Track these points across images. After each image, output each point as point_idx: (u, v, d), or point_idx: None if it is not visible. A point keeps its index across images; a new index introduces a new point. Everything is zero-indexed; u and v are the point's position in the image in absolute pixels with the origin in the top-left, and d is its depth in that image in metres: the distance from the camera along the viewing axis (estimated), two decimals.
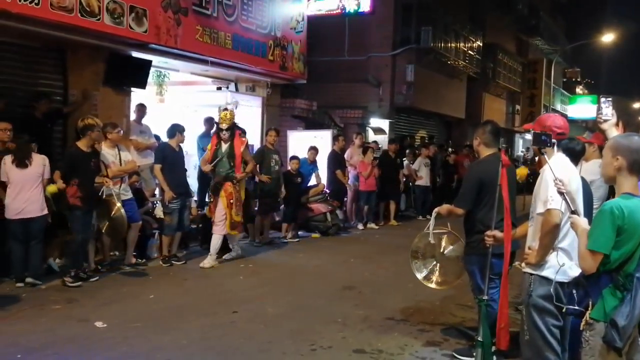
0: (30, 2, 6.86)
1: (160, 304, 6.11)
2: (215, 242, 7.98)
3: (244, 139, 8.45)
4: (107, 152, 7.31)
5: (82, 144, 6.77)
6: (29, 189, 6.42)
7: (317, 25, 14.30)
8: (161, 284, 6.99)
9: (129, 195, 7.49)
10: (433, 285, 5.09)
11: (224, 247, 8.33)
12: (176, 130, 8.07)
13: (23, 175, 6.42)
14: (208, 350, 4.75)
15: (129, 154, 7.82)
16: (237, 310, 5.89)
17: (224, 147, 7.99)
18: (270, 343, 4.99)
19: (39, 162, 6.57)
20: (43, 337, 4.93)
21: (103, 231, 7.02)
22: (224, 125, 7.97)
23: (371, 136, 15.81)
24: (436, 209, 4.79)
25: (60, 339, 4.89)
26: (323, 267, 8.36)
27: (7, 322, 5.28)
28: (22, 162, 6.41)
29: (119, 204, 6.84)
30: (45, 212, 6.58)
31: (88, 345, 4.79)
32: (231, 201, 7.86)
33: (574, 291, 3.43)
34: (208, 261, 7.88)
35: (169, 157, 7.95)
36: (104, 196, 6.83)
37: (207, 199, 10.07)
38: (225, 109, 8.33)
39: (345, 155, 12.08)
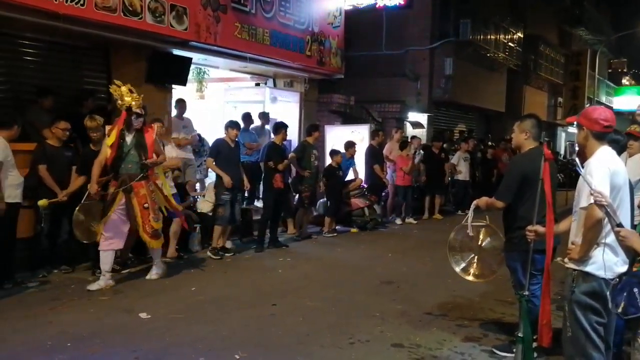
0: (76, 3, 7.09)
1: (201, 295, 6.24)
2: (107, 259, 6.38)
3: (154, 125, 6.91)
4: None
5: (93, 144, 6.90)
6: None
7: (355, 20, 14.29)
8: (202, 276, 7.13)
9: (172, 190, 7.66)
10: (470, 278, 5.06)
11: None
12: (227, 126, 8.24)
13: None
14: (248, 342, 4.83)
15: (172, 150, 7.98)
16: (277, 303, 5.98)
17: (129, 138, 6.46)
18: (309, 336, 5.06)
19: None
20: (91, 326, 5.10)
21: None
22: (138, 110, 6.46)
23: (409, 130, 15.74)
24: (475, 202, 4.77)
25: (107, 329, 5.05)
26: (361, 261, 8.39)
27: (57, 311, 5.48)
28: None
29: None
30: None
31: (133, 334, 4.93)
32: (145, 205, 6.39)
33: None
34: (99, 283, 6.30)
35: (223, 152, 8.09)
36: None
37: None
38: (130, 90, 6.54)
39: (385, 150, 12.09)
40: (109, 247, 6.36)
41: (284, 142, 9.31)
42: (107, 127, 6.51)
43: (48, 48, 8.11)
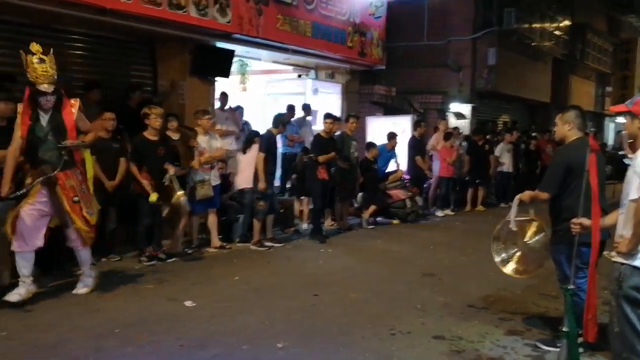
0: None
1: (244, 285, 6.34)
2: (22, 262, 5.33)
3: (74, 101, 5.54)
4: (199, 138, 7.62)
5: (149, 133, 7.01)
6: None
7: (396, 10, 14.17)
8: (245, 266, 7.23)
9: (217, 181, 7.80)
10: (509, 272, 4.96)
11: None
12: (280, 121, 8.29)
13: None
14: (290, 332, 4.89)
15: (218, 141, 8.10)
16: (318, 293, 6.02)
17: (44, 119, 5.29)
18: (350, 327, 5.09)
19: None
20: (137, 314, 5.24)
21: (163, 215, 7.17)
22: (45, 87, 5.17)
23: (452, 122, 15.56)
24: (518, 196, 4.69)
25: (153, 316, 5.18)
26: (402, 253, 8.37)
27: (106, 299, 5.65)
28: None
29: (180, 192, 6.96)
30: None
31: (178, 322, 5.04)
32: (75, 198, 5.36)
33: None
34: (19, 292, 5.27)
35: (272, 147, 8.18)
36: (170, 183, 6.97)
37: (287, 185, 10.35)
38: (42, 60, 5.19)
39: (432, 141, 12.00)
40: (23, 248, 5.25)
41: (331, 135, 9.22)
42: (19, 107, 5.33)
43: (95, 42, 8.34)
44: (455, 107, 16.27)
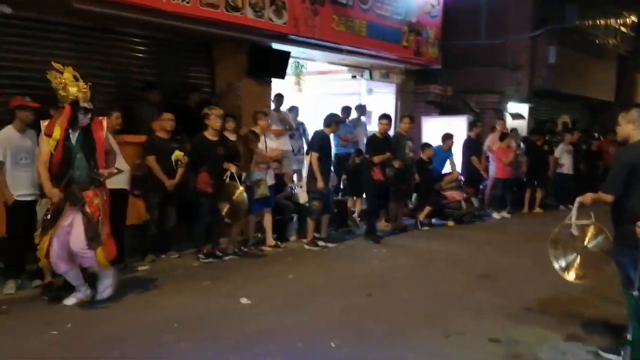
0: (182, 1, 7.42)
1: (299, 283, 6.40)
2: (71, 277, 5.40)
3: (102, 119, 5.48)
4: None
5: (209, 133, 7.16)
6: None
7: (453, 8, 13.97)
8: (300, 265, 7.30)
9: (272, 181, 7.90)
10: (571, 278, 4.85)
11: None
12: (332, 121, 8.32)
13: None
14: (344, 331, 4.90)
15: (273, 142, 8.21)
16: (372, 293, 6.02)
17: (74, 137, 5.20)
18: (405, 327, 5.06)
19: None
20: (195, 309, 5.37)
21: (223, 213, 7.22)
22: (87, 104, 5.18)
23: (509, 122, 15.24)
24: (579, 199, 4.56)
25: (210, 312, 5.30)
26: (458, 254, 8.26)
27: (166, 295, 5.81)
28: None
29: (241, 188, 7.08)
30: None
31: (235, 318, 5.15)
32: (99, 217, 5.26)
33: None
34: (77, 296, 5.44)
35: (325, 147, 8.22)
36: (232, 180, 7.14)
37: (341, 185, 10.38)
38: (77, 78, 5.18)
39: (488, 141, 11.80)
40: (67, 270, 5.28)
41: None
42: (43, 123, 5.23)
43: (155, 44, 8.60)
44: (512, 107, 15.92)
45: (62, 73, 5.11)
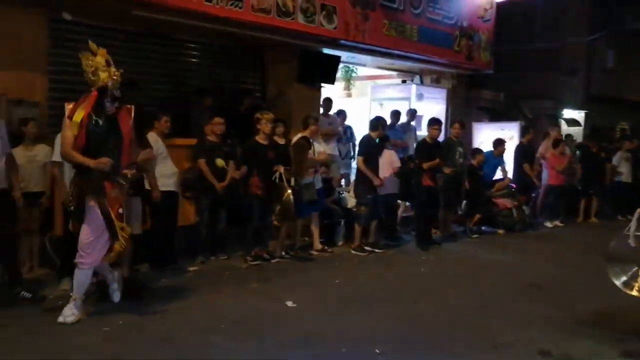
0: (235, 6, 7.55)
1: (345, 288, 6.40)
2: (82, 280, 4.95)
3: (129, 108, 5.07)
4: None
5: (260, 137, 7.25)
6: None
7: (506, 11, 13.74)
8: (346, 270, 7.29)
9: (320, 184, 7.93)
10: (635, 293, 4.66)
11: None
12: (379, 124, 8.30)
13: None
14: (389, 337, 4.87)
15: (321, 146, 8.24)
16: (419, 300, 5.97)
17: (100, 124, 4.84)
18: (451, 336, 4.99)
19: None
20: (242, 310, 5.44)
21: (274, 215, 7.32)
22: (116, 91, 4.86)
23: (564, 128, 14.85)
24: None
25: (257, 314, 5.35)
26: (508, 263, 8.09)
27: (214, 296, 5.91)
28: None
29: (289, 190, 7.17)
30: None
31: (280, 321, 5.19)
32: (120, 210, 4.88)
33: None
34: (68, 313, 4.87)
35: (372, 150, 8.22)
36: (278, 182, 7.23)
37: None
38: (109, 63, 4.85)
39: (540, 149, 11.54)
40: (89, 264, 4.88)
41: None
42: (68, 105, 4.93)
43: (209, 50, 8.78)
44: (568, 113, 15.51)
45: (95, 55, 4.79)
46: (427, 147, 8.78)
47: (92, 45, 4.78)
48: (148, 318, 5.10)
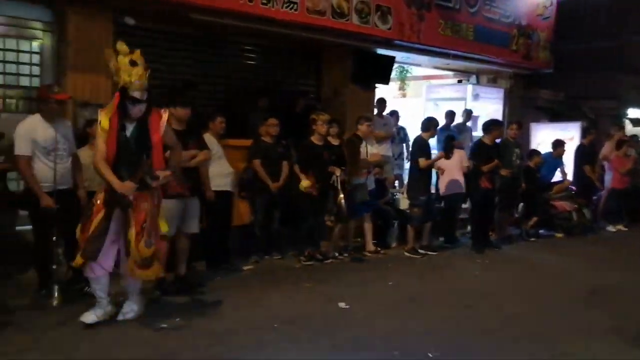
0: (290, 9, 7.62)
1: (397, 291, 6.37)
2: (97, 285, 4.81)
3: (163, 112, 4.83)
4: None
5: (315, 138, 7.28)
6: None
7: (566, 8, 13.34)
8: (399, 272, 7.25)
9: (372, 186, 7.92)
10: None
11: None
12: (431, 125, 8.24)
13: None
14: (442, 342, 4.81)
15: (374, 147, 8.23)
16: (473, 305, 5.87)
17: (128, 131, 4.66)
18: (507, 343, 4.88)
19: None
20: (296, 310, 5.49)
21: (328, 215, 7.33)
22: (138, 94, 4.56)
23: (629, 129, 14.30)
24: None
25: (310, 314, 5.39)
26: (567, 268, 7.86)
27: (268, 295, 5.98)
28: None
29: (342, 195, 7.18)
30: None
31: (333, 322, 5.20)
32: (143, 225, 4.61)
33: None
34: (95, 313, 4.80)
35: (425, 151, 8.14)
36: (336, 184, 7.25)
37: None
38: (134, 63, 4.55)
39: (603, 150, 11.17)
40: (97, 273, 4.72)
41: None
42: (101, 112, 4.67)
43: (265, 52, 8.89)
44: (632, 112, 14.93)
45: (123, 55, 4.52)
46: (486, 149, 8.63)
47: (121, 45, 4.55)
48: (204, 316, 5.20)
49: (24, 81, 6.90)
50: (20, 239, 6.13)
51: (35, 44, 6.92)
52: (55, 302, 5.19)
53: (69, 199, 5.43)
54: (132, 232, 4.56)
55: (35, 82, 6.86)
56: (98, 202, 4.63)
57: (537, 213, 9.93)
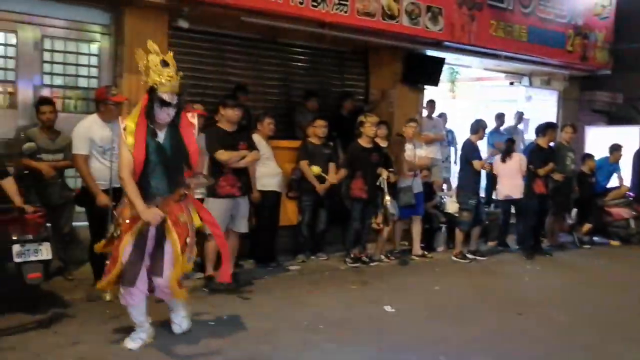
0: (340, 11, 7.64)
1: (445, 296, 6.30)
2: (135, 312, 4.36)
3: (192, 116, 4.40)
4: (405, 146, 7.77)
5: (363, 140, 7.26)
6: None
7: (626, 7, 12.86)
8: (446, 276, 7.17)
9: (419, 189, 7.86)
10: None
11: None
12: (479, 127, 8.13)
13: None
14: (490, 350, 4.73)
15: (422, 149, 8.16)
16: (522, 312, 5.75)
17: (161, 137, 4.21)
18: (558, 353, 4.76)
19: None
20: (341, 312, 5.50)
21: (374, 217, 7.30)
22: (168, 96, 4.08)
23: None
24: None
25: (356, 317, 5.39)
26: (622, 277, 7.60)
27: (314, 295, 6.02)
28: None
29: (387, 197, 7.14)
30: None
31: (379, 326, 5.18)
32: (187, 239, 4.28)
33: None
34: (134, 339, 4.39)
35: (474, 154, 8.04)
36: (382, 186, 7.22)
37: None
38: (165, 63, 4.13)
39: None
40: (131, 302, 4.26)
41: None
42: (122, 119, 4.25)
43: (315, 54, 8.96)
44: None
45: (149, 54, 4.17)
46: (542, 153, 8.44)
47: (151, 44, 4.18)
48: (251, 315, 5.27)
49: (83, 82, 7.17)
50: (76, 234, 6.35)
51: (94, 47, 7.17)
52: (108, 297, 5.32)
53: (117, 198, 5.59)
54: (177, 247, 4.18)
55: (93, 83, 7.10)
56: (127, 220, 4.14)
57: (591, 220, 9.64)
